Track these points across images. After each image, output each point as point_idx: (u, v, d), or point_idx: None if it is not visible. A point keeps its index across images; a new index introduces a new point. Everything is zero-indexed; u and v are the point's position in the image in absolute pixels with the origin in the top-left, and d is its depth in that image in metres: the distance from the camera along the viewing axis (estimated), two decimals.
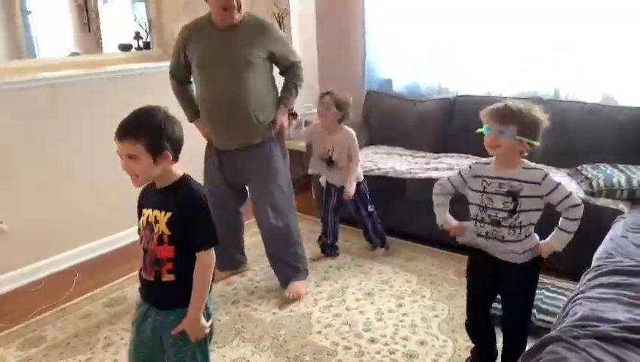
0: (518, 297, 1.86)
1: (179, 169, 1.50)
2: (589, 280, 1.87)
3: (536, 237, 1.80)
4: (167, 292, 1.48)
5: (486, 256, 1.84)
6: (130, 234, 3.18)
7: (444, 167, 3.18)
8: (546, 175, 1.71)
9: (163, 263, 1.46)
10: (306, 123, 4.20)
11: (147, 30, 5.42)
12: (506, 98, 3.33)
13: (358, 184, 2.94)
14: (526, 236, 1.75)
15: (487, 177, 1.76)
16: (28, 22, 7.87)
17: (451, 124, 3.53)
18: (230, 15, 2.36)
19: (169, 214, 1.44)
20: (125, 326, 2.41)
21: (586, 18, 3.13)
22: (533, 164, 1.74)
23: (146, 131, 1.40)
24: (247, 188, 2.74)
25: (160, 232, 1.44)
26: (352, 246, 3.20)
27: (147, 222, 1.48)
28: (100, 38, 6.40)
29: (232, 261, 2.86)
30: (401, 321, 2.39)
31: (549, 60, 3.32)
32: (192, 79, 2.57)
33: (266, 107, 2.51)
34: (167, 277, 1.46)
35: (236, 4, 2.35)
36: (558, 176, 2.90)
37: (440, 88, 3.85)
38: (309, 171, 3.22)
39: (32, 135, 2.88)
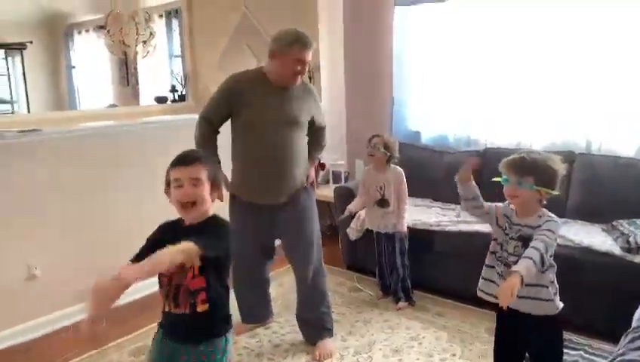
0: (543, 353, 1.83)
1: None
2: (630, 341, 1.77)
3: (552, 292, 1.77)
4: (201, 323, 1.55)
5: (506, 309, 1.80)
6: (156, 283, 3.19)
7: (475, 220, 3.12)
8: (549, 220, 1.73)
9: (197, 294, 1.53)
10: (334, 173, 4.25)
11: (183, 84, 5.67)
12: (535, 150, 3.35)
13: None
14: (538, 284, 1.73)
15: (510, 222, 1.82)
16: (72, 76, 8.34)
17: (481, 177, 3.48)
18: (294, 80, 2.40)
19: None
20: None
21: (618, 69, 3.12)
22: (551, 214, 1.76)
23: (207, 161, 1.58)
24: (275, 244, 2.73)
25: (193, 265, 1.50)
26: (379, 299, 3.14)
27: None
28: (138, 91, 6.73)
29: (257, 315, 2.85)
30: None
31: (581, 111, 3.30)
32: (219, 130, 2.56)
33: (303, 163, 2.56)
34: (202, 308, 1.54)
35: (302, 72, 2.40)
36: (593, 231, 2.83)
37: (469, 140, 3.85)
38: (352, 211, 3.26)
39: (69, 183, 2.98)
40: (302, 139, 2.52)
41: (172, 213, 1.61)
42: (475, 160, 1.94)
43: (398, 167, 3.08)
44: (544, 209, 1.77)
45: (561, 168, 1.75)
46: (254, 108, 2.40)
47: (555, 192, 1.73)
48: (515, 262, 1.72)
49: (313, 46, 2.39)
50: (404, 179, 3.05)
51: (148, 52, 5.00)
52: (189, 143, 2.54)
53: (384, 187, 3.05)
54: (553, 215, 1.77)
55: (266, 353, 2.60)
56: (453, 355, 2.50)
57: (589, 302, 2.55)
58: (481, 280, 1.90)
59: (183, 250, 1.41)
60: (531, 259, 1.62)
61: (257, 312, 2.85)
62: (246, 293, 2.77)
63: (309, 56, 2.39)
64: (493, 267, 1.86)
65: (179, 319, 1.56)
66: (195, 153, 1.59)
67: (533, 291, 1.74)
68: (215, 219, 1.59)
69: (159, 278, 1.58)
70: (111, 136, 3.22)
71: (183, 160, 1.55)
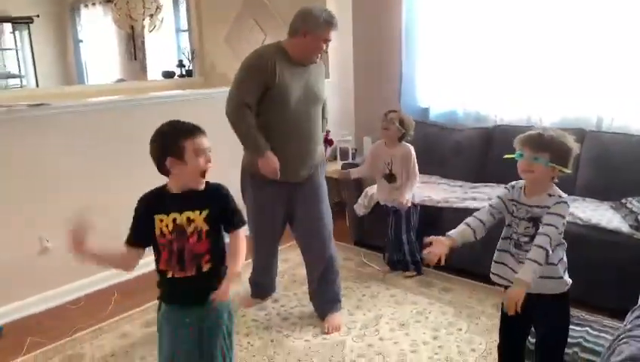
0: (549, 330, 1.84)
1: None
2: (636, 317, 1.78)
3: (561, 270, 1.78)
4: (207, 282, 1.62)
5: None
6: None
7: (483, 197, 3.13)
8: (559, 202, 1.72)
9: (202, 256, 1.61)
10: (341, 149, 4.24)
11: (190, 59, 5.64)
12: (550, 128, 3.32)
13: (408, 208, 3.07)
14: (547, 263, 1.71)
15: (517, 202, 1.81)
16: (79, 50, 8.33)
17: (490, 154, 3.48)
18: (316, 58, 2.45)
19: (205, 212, 1.59)
20: None
21: (629, 43, 3.06)
22: (559, 192, 1.76)
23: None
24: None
25: (198, 229, 1.59)
26: (385, 275, 3.16)
27: (175, 225, 1.60)
28: (145, 66, 6.71)
29: (265, 290, 2.91)
30: (436, 354, 2.34)
31: (592, 87, 3.25)
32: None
33: (321, 140, 2.65)
34: (207, 267, 1.62)
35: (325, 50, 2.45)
36: (601, 208, 2.82)
37: (478, 115, 3.82)
38: (352, 175, 3.30)
39: (77, 156, 3.00)
40: (320, 116, 2.59)
41: None
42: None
43: (408, 144, 3.08)
44: (555, 186, 1.77)
45: (575, 147, 1.75)
46: (281, 84, 2.35)
47: (568, 170, 1.73)
48: (527, 243, 1.74)
49: (337, 26, 2.44)
50: (414, 156, 3.06)
51: (155, 26, 4.97)
52: (196, 118, 2.52)
53: (391, 163, 3.07)
54: (563, 194, 1.76)
55: (275, 326, 2.64)
56: (459, 330, 2.53)
57: (597, 279, 2.55)
58: (493, 264, 1.90)
59: (242, 238, 1.65)
60: (536, 261, 1.65)
61: (266, 287, 2.90)
62: (260, 269, 2.83)
63: (334, 36, 2.44)
64: (505, 251, 1.86)
65: (184, 282, 1.62)
66: (195, 124, 1.65)
67: (542, 270, 1.73)
68: (212, 184, 1.66)
69: (157, 246, 1.64)
70: (119, 110, 3.23)
71: (199, 129, 1.61)
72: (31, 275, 2.86)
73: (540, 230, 1.70)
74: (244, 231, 1.67)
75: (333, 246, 2.68)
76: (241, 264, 1.63)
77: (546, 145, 1.70)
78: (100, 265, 1.79)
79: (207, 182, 1.64)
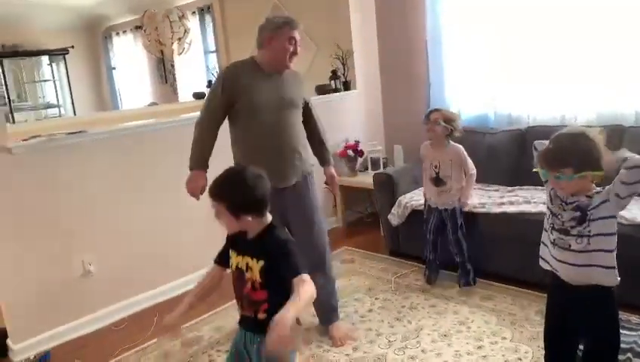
0: (596, 338, 1.75)
1: (268, 218, 1.65)
2: None
3: (615, 260, 1.67)
4: (263, 328, 1.56)
5: (558, 281, 1.76)
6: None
7: (520, 201, 3.06)
8: (599, 191, 1.63)
9: (260, 304, 1.60)
10: (372, 159, 4.22)
11: None
12: (565, 130, 3.22)
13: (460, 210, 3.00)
14: (599, 250, 1.64)
15: (564, 202, 1.70)
16: (113, 77, 8.61)
17: (524, 156, 3.39)
18: (289, 61, 2.46)
19: (261, 263, 1.57)
20: None
21: None
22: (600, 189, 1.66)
23: (228, 196, 1.58)
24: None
25: (253, 279, 1.59)
26: (424, 285, 3.11)
27: (237, 267, 1.63)
28: (176, 88, 6.87)
29: None
30: None
31: (628, 81, 3.14)
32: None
33: (306, 145, 2.64)
34: (263, 316, 1.59)
35: (296, 53, 2.46)
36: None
37: (510, 118, 3.75)
38: (425, 195, 3.16)
39: (115, 181, 3.08)
40: (299, 122, 2.58)
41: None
42: None
43: (456, 144, 2.97)
44: (596, 187, 1.67)
45: (598, 140, 1.59)
46: (251, 93, 2.45)
47: (601, 171, 1.58)
48: (574, 226, 1.65)
49: (300, 27, 2.45)
50: (465, 154, 2.96)
51: (184, 49, 5.09)
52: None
53: (439, 165, 2.97)
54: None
55: (315, 340, 2.61)
56: (504, 338, 2.45)
57: None
58: (542, 248, 1.82)
59: (305, 283, 1.50)
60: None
61: None
62: None
63: (300, 36, 2.46)
64: (548, 244, 1.78)
65: (246, 318, 1.67)
66: (218, 186, 1.61)
67: (598, 257, 1.65)
68: (270, 235, 1.63)
69: (232, 275, 1.70)
70: (153, 133, 3.30)
71: (209, 190, 1.64)
72: (74, 299, 2.94)
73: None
74: (309, 280, 1.52)
75: (329, 254, 2.67)
76: (295, 310, 1.45)
77: (561, 160, 1.59)
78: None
79: (270, 231, 1.63)
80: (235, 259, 1.65)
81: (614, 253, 1.68)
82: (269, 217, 1.66)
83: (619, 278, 1.70)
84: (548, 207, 1.77)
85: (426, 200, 3.10)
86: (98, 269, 3.01)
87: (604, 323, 1.74)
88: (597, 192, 1.65)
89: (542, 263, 1.83)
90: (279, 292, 1.53)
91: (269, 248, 1.58)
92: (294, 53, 2.46)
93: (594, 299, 1.70)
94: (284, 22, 2.45)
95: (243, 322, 1.70)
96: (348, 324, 2.69)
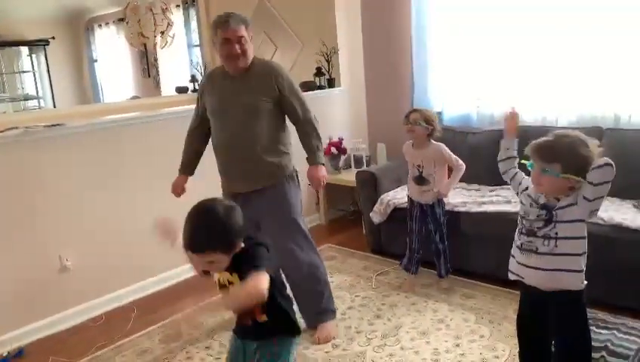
0: (567, 339, 1.76)
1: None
2: None
3: (583, 263, 1.70)
4: (265, 330, 1.62)
5: (525, 288, 1.79)
6: (185, 271, 3.24)
7: (501, 200, 3.09)
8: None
9: (253, 311, 1.58)
10: (355, 157, 4.22)
11: (202, 73, 5.69)
12: (562, 127, 3.26)
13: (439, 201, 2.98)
14: (564, 254, 1.66)
15: (529, 194, 1.75)
16: (94, 70, 8.49)
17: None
18: (234, 63, 2.36)
19: (236, 275, 1.53)
20: None
21: None
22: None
23: (221, 241, 1.47)
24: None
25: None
26: (404, 283, 3.12)
27: (221, 285, 1.59)
28: (159, 82, 6.80)
29: None
30: None
31: (608, 84, 3.18)
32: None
33: (279, 149, 2.48)
34: (263, 318, 1.59)
35: (240, 52, 2.33)
36: (623, 207, 2.76)
37: (493, 118, 3.78)
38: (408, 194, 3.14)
39: (94, 175, 3.03)
40: (265, 125, 2.42)
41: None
42: (515, 112, 1.91)
43: (438, 143, 2.95)
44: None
45: (594, 154, 1.60)
46: (213, 97, 2.47)
47: (586, 181, 1.59)
48: (541, 228, 1.67)
49: (240, 22, 2.31)
50: (447, 151, 2.92)
51: (167, 42, 5.02)
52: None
53: (422, 164, 2.95)
54: None
55: None
56: (482, 336, 2.48)
57: (622, 280, 2.49)
58: (510, 260, 1.84)
59: (256, 277, 1.43)
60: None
61: None
62: None
63: (240, 32, 2.31)
64: (516, 247, 1.79)
65: (246, 327, 1.65)
66: (205, 239, 1.48)
67: (565, 261, 1.66)
68: (249, 245, 1.57)
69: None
70: (133, 127, 3.26)
71: (192, 247, 1.48)
72: (51, 294, 2.89)
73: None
74: (259, 272, 1.45)
75: (312, 254, 2.59)
76: (241, 295, 1.45)
77: (556, 154, 1.59)
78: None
79: (246, 243, 1.56)
80: (216, 275, 1.61)
81: (583, 257, 1.69)
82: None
83: (585, 282, 1.71)
84: (519, 214, 1.79)
85: (408, 196, 3.09)
86: (75, 265, 2.96)
87: (574, 327, 1.76)
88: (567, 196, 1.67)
89: (509, 275, 1.85)
90: (270, 294, 1.50)
91: (240, 257, 1.52)
92: (234, 55, 2.32)
93: (562, 304, 1.71)
94: (215, 23, 2.34)
95: (241, 331, 1.69)
96: (334, 325, 2.64)
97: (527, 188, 1.79)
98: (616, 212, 2.69)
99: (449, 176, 2.96)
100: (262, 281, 1.42)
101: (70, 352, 2.65)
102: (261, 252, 1.53)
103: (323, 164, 2.56)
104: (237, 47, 2.32)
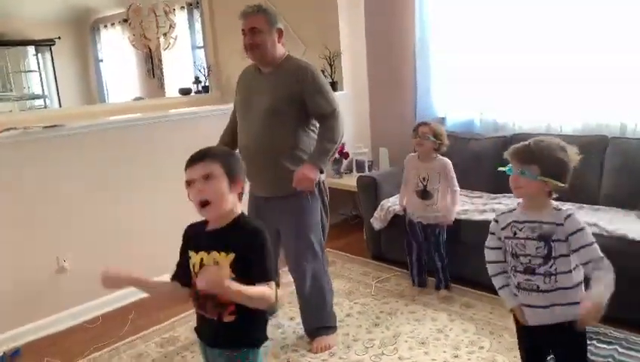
0: (567, 356, 1.72)
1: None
2: None
3: (583, 291, 1.65)
4: (230, 332, 1.47)
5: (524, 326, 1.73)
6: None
7: (502, 209, 3.03)
8: (569, 215, 1.60)
9: (226, 306, 1.43)
10: (357, 162, 4.19)
11: (206, 75, 5.68)
12: (567, 135, 3.22)
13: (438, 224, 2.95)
14: (565, 288, 1.61)
15: (516, 222, 1.67)
16: (100, 70, 8.51)
17: (508, 163, 3.38)
18: (250, 55, 2.35)
19: (232, 256, 1.39)
20: None
21: None
22: (560, 206, 1.65)
23: (223, 156, 1.48)
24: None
25: None
26: (403, 290, 3.09)
27: (201, 266, 1.44)
28: (163, 83, 6.79)
29: None
30: None
31: (614, 92, 3.14)
32: None
33: (301, 158, 2.36)
34: (229, 318, 1.44)
35: (250, 42, 2.30)
36: (628, 219, 2.71)
37: (496, 124, 3.74)
38: (398, 207, 3.13)
39: (93, 176, 3.02)
40: (286, 129, 2.34)
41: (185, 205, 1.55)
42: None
43: (444, 158, 2.94)
44: (554, 202, 1.64)
45: (572, 159, 1.59)
46: (240, 95, 2.47)
47: (562, 185, 1.59)
48: (541, 265, 1.60)
49: (257, 12, 2.30)
50: (452, 169, 2.92)
51: (169, 44, 5.01)
52: (212, 134, 2.59)
53: (427, 178, 2.91)
54: (570, 209, 1.63)
55: (291, 344, 2.59)
56: (481, 348, 2.43)
57: (625, 293, 2.42)
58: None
59: (262, 291, 1.36)
60: (609, 286, 1.53)
61: None
62: None
63: (252, 23, 2.29)
64: (515, 286, 1.70)
65: (206, 322, 1.50)
66: (209, 149, 1.48)
67: (565, 295, 1.62)
68: (243, 223, 1.46)
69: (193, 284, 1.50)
70: (135, 128, 3.25)
71: (193, 157, 1.44)
72: (48, 295, 2.88)
73: (588, 254, 1.56)
74: (270, 289, 1.39)
75: (318, 267, 2.51)
76: (238, 291, 1.32)
77: (533, 157, 1.58)
78: (150, 292, 1.62)
79: (243, 219, 1.47)
80: (196, 257, 1.46)
81: (581, 287, 1.65)
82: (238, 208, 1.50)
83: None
84: (507, 251, 1.70)
85: (406, 215, 3.04)
86: (73, 266, 2.95)
87: (577, 344, 1.71)
88: (557, 209, 1.62)
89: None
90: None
91: (243, 237, 1.40)
92: (251, 45, 2.31)
93: (568, 328, 1.63)
94: (240, 14, 2.34)
95: (203, 332, 1.54)
96: (334, 337, 2.59)
97: (509, 223, 1.69)
98: (621, 223, 2.64)
99: None
100: (271, 297, 1.37)
101: (65, 354, 2.63)
102: (270, 249, 1.44)
103: (318, 167, 2.32)
104: (248, 37, 2.31)
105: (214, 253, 1.42)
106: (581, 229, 1.58)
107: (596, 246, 1.59)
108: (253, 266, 1.39)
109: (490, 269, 1.80)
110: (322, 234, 2.57)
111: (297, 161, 2.35)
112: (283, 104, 2.31)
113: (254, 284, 1.37)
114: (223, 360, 1.49)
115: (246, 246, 1.40)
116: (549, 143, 1.62)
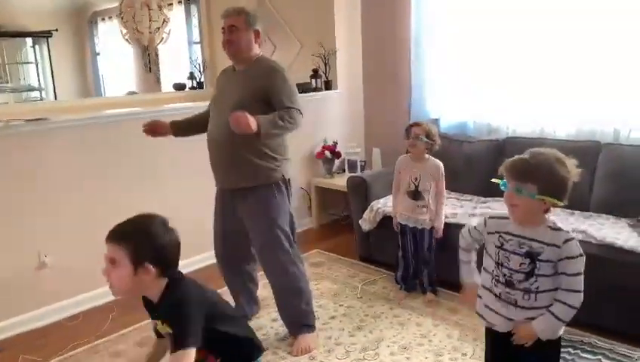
0: None
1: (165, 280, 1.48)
2: None
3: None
4: None
5: (496, 335, 1.67)
6: None
7: (499, 213, 2.98)
8: (569, 239, 1.52)
9: (204, 360, 1.50)
10: (349, 162, 4.15)
11: (201, 71, 5.64)
12: (560, 139, 3.17)
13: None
14: (542, 306, 1.55)
15: (506, 233, 1.59)
16: (97, 63, 8.45)
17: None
18: (226, 51, 2.43)
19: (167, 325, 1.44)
20: None
21: None
22: (560, 225, 1.56)
23: (132, 238, 1.39)
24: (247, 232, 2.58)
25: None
26: (389, 293, 3.04)
27: (162, 334, 1.53)
28: (159, 78, 6.74)
29: (237, 306, 2.74)
30: None
31: (608, 97, 3.09)
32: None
33: (266, 153, 2.39)
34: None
35: (227, 39, 2.39)
36: (618, 226, 2.66)
37: (490, 127, 3.70)
38: (393, 212, 3.05)
39: (77, 171, 2.98)
40: None
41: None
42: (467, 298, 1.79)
43: (437, 160, 2.91)
44: (552, 218, 1.56)
45: (572, 175, 1.50)
46: (214, 93, 2.55)
47: (561, 203, 1.51)
48: (522, 281, 1.54)
49: (236, 12, 2.40)
50: (443, 175, 2.89)
51: (162, 39, 4.96)
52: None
53: (419, 178, 2.88)
54: (570, 234, 1.54)
55: (271, 346, 2.54)
56: (464, 355, 2.39)
57: (612, 303, 2.40)
58: (478, 301, 1.70)
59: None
60: (562, 321, 1.52)
61: (236, 305, 2.73)
62: (226, 282, 2.75)
63: (230, 21, 2.39)
64: (489, 290, 1.64)
65: None
66: (120, 228, 1.44)
67: (541, 314, 1.56)
68: (169, 294, 1.45)
69: None
70: (118, 124, 3.20)
71: (107, 235, 1.45)
72: (28, 291, 2.84)
73: (567, 283, 1.50)
74: (186, 353, 1.37)
75: (286, 260, 2.48)
76: None
77: (531, 174, 1.48)
78: None
79: (169, 289, 1.46)
80: (158, 325, 1.51)
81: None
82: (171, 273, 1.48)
83: (562, 330, 1.61)
84: (492, 257, 1.64)
85: (398, 222, 2.99)
86: (54, 261, 2.91)
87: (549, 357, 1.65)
88: (550, 228, 1.54)
89: (480, 318, 1.72)
90: (212, 342, 1.45)
91: (167, 309, 1.42)
92: (225, 41, 2.40)
93: (538, 353, 1.59)
94: (222, 13, 2.44)
95: None
96: (314, 337, 2.55)
97: (498, 232, 1.63)
98: (610, 230, 2.60)
99: None
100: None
101: (42, 351, 2.59)
102: (188, 312, 1.40)
103: (259, 123, 2.18)
104: (226, 34, 2.40)
105: (164, 324, 1.45)
106: (575, 257, 1.51)
107: (581, 278, 1.51)
108: (174, 335, 1.39)
109: (461, 242, 1.82)
110: (291, 230, 2.54)
111: (261, 154, 2.40)
112: (250, 99, 2.33)
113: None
114: None
115: (169, 318, 1.42)
116: (546, 157, 1.51)
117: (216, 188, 2.61)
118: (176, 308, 1.40)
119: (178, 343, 1.37)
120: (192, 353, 1.36)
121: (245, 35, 2.41)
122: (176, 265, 1.46)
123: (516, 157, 1.55)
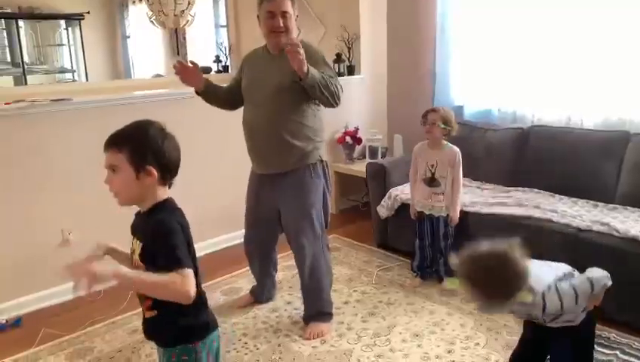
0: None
1: (166, 193, 1.38)
2: None
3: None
4: (156, 328, 1.40)
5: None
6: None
7: (513, 203, 2.94)
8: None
9: (143, 299, 1.36)
10: (370, 148, 4.11)
11: (227, 54, 5.65)
12: (588, 129, 3.07)
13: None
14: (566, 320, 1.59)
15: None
16: (127, 46, 8.57)
17: (524, 156, 3.25)
18: (277, 39, 2.33)
19: (141, 245, 1.33)
20: None
21: None
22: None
23: (130, 141, 1.33)
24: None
25: (135, 265, 1.33)
26: (404, 281, 3.03)
27: (131, 252, 1.38)
28: (187, 61, 6.77)
29: (257, 292, 2.80)
30: None
31: (637, 86, 2.97)
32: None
33: (306, 134, 2.39)
34: (149, 314, 1.37)
35: (284, 27, 2.31)
36: None
37: (515, 115, 3.60)
38: (412, 200, 2.99)
39: (101, 149, 3.02)
40: (292, 108, 2.34)
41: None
42: None
43: (454, 146, 2.86)
44: None
45: (521, 266, 1.46)
46: (247, 78, 2.46)
47: (527, 294, 1.50)
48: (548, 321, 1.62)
49: None
50: (461, 161, 2.83)
51: (187, 21, 4.98)
52: (224, 114, 2.62)
53: (436, 165, 2.85)
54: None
55: (284, 329, 2.57)
56: (477, 344, 2.36)
57: (631, 297, 2.33)
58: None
59: (172, 282, 1.22)
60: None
61: (258, 288, 2.80)
62: (253, 266, 2.77)
63: (284, 7, 2.28)
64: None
65: (144, 320, 1.45)
66: (117, 134, 1.36)
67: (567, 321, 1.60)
68: (162, 209, 1.36)
69: None
70: (141, 105, 3.25)
71: (104, 143, 1.37)
72: (51, 267, 2.92)
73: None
74: (184, 279, 1.24)
75: (317, 249, 2.49)
76: (137, 279, 1.25)
77: (488, 288, 1.51)
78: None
79: (161, 203, 1.36)
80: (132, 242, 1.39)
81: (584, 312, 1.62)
82: (168, 191, 1.38)
83: (583, 315, 1.62)
84: None
85: (414, 207, 2.96)
86: (77, 238, 2.98)
87: (578, 343, 1.66)
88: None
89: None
90: None
91: (150, 227, 1.30)
92: (277, 29, 2.30)
93: (567, 335, 1.62)
94: None
95: (144, 327, 1.45)
96: (328, 325, 2.55)
97: None
98: (636, 223, 2.51)
99: None
100: (182, 285, 1.23)
101: (63, 326, 2.67)
102: (179, 236, 1.29)
103: (309, 70, 2.16)
104: (281, 21, 2.30)
105: (135, 240, 1.36)
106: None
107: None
108: (160, 257, 1.27)
109: None
110: (324, 216, 2.54)
111: (302, 137, 2.37)
112: (293, 83, 2.27)
113: (164, 269, 1.25)
114: (164, 358, 1.41)
115: (151, 236, 1.31)
116: (498, 265, 1.49)
117: (251, 174, 2.59)
118: (163, 225, 1.30)
119: (167, 263, 1.24)
120: (192, 274, 1.26)
121: (295, 23, 2.36)
122: (176, 170, 1.39)
123: (465, 265, 1.58)
